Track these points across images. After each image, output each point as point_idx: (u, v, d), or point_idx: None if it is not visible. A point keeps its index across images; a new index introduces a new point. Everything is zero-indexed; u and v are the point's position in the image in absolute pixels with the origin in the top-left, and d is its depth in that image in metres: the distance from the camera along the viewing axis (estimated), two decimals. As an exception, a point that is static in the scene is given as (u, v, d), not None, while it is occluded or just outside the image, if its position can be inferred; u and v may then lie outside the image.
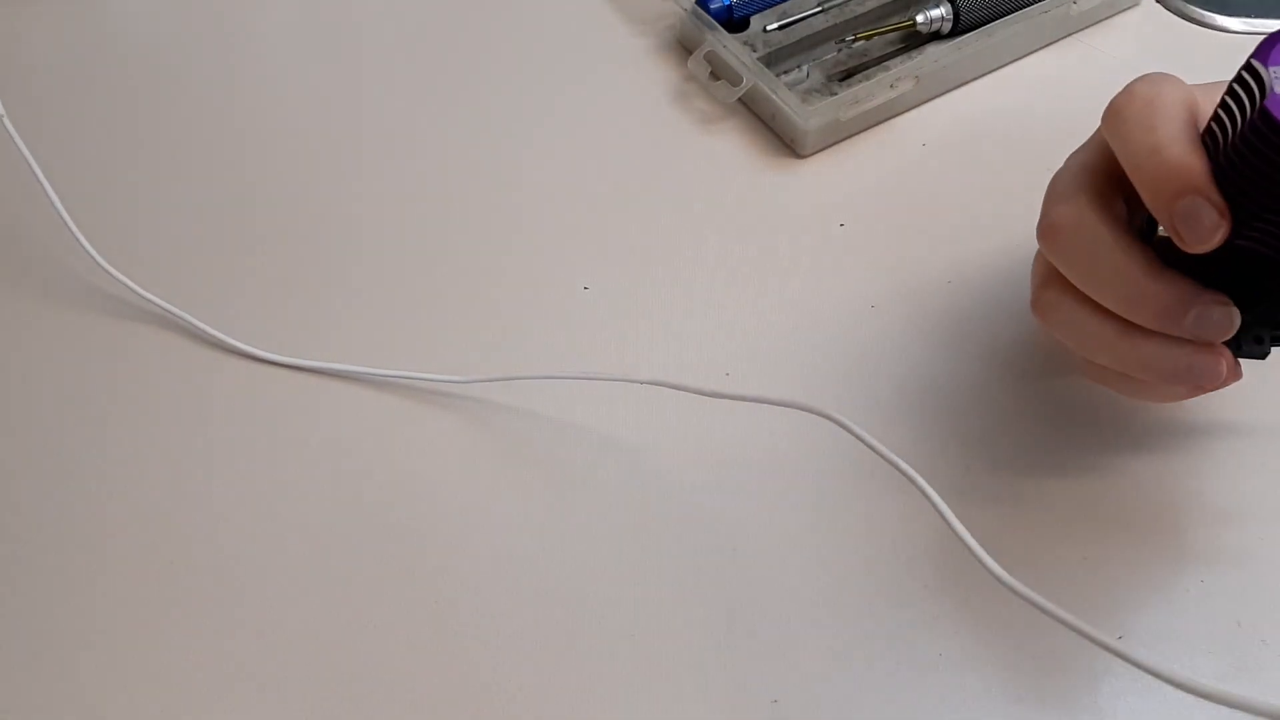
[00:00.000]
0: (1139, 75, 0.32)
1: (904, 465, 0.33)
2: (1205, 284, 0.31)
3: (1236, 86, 0.29)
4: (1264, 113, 0.28)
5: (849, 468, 0.38)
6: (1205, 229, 0.29)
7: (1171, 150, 0.30)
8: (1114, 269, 0.31)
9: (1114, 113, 0.31)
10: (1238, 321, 0.31)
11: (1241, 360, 0.32)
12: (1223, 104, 0.30)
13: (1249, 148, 0.29)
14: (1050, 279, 0.34)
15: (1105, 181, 0.32)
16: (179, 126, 0.49)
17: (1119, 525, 0.36)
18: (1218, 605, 0.34)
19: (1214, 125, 0.30)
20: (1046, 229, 0.33)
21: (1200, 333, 0.31)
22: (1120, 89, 0.32)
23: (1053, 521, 0.36)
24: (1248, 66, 0.29)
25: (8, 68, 0.51)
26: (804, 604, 0.35)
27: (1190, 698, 0.27)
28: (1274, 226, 0.29)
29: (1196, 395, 0.33)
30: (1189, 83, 0.32)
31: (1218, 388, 0.32)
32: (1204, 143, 0.30)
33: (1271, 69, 0.28)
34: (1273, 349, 0.32)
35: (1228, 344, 0.32)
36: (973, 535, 0.31)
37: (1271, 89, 0.28)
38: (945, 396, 0.39)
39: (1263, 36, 0.29)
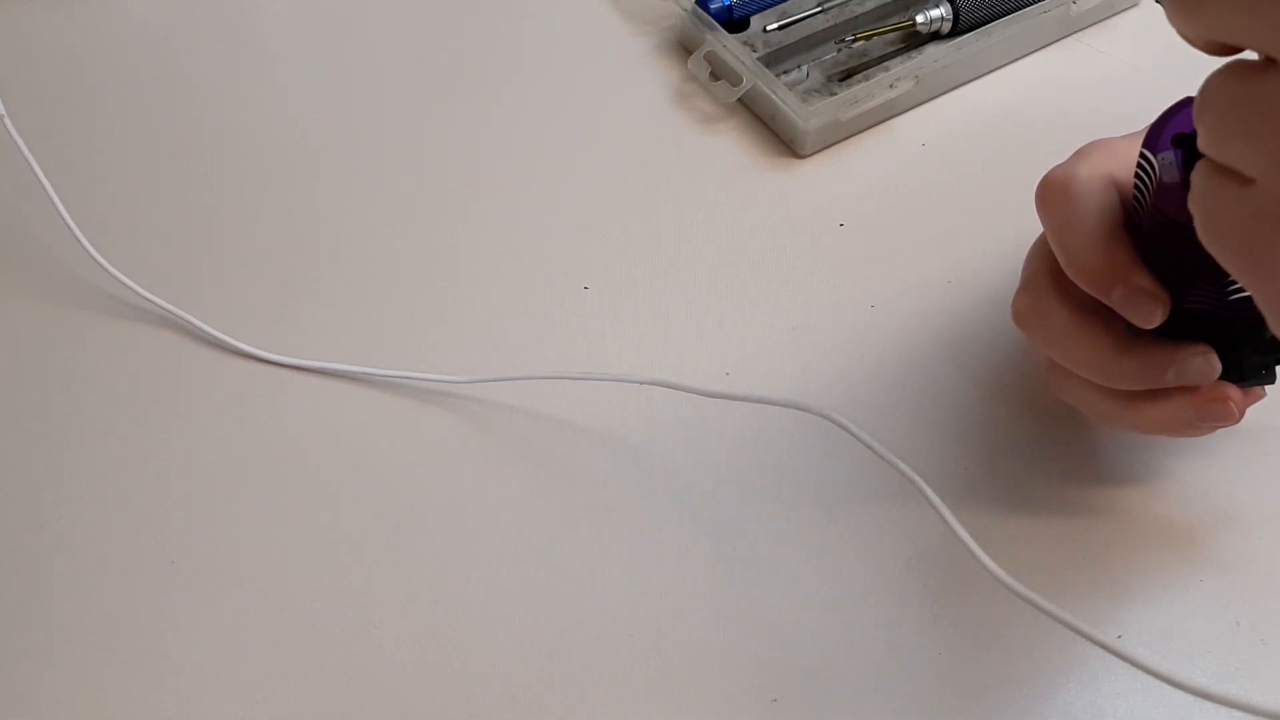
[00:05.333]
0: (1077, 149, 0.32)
1: (903, 465, 0.33)
2: (1186, 331, 0.31)
3: (1139, 170, 0.29)
4: (1155, 209, 0.28)
5: (848, 468, 0.38)
6: (1144, 312, 0.30)
7: (1090, 248, 0.30)
8: (1081, 352, 0.32)
9: (1037, 204, 0.32)
10: (1218, 367, 0.31)
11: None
12: (1134, 184, 0.30)
13: (1156, 233, 0.29)
14: (1050, 365, 0.34)
15: None
16: (180, 126, 0.49)
17: (1119, 525, 0.36)
18: (1217, 605, 0.34)
19: (1134, 202, 0.30)
20: (1014, 317, 0.34)
21: (1185, 383, 0.31)
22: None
23: (1052, 521, 0.36)
24: (1141, 154, 0.29)
25: (8, 68, 0.51)
26: (803, 603, 0.35)
27: (1190, 698, 0.27)
28: (1208, 292, 0.29)
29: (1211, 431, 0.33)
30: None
31: (1237, 421, 0.32)
32: (1133, 210, 0.30)
33: (1160, 155, 0.28)
34: None
35: (1231, 378, 0.32)
36: (972, 535, 0.31)
37: (1160, 178, 0.28)
38: (944, 396, 0.39)
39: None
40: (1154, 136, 0.29)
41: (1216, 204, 0.23)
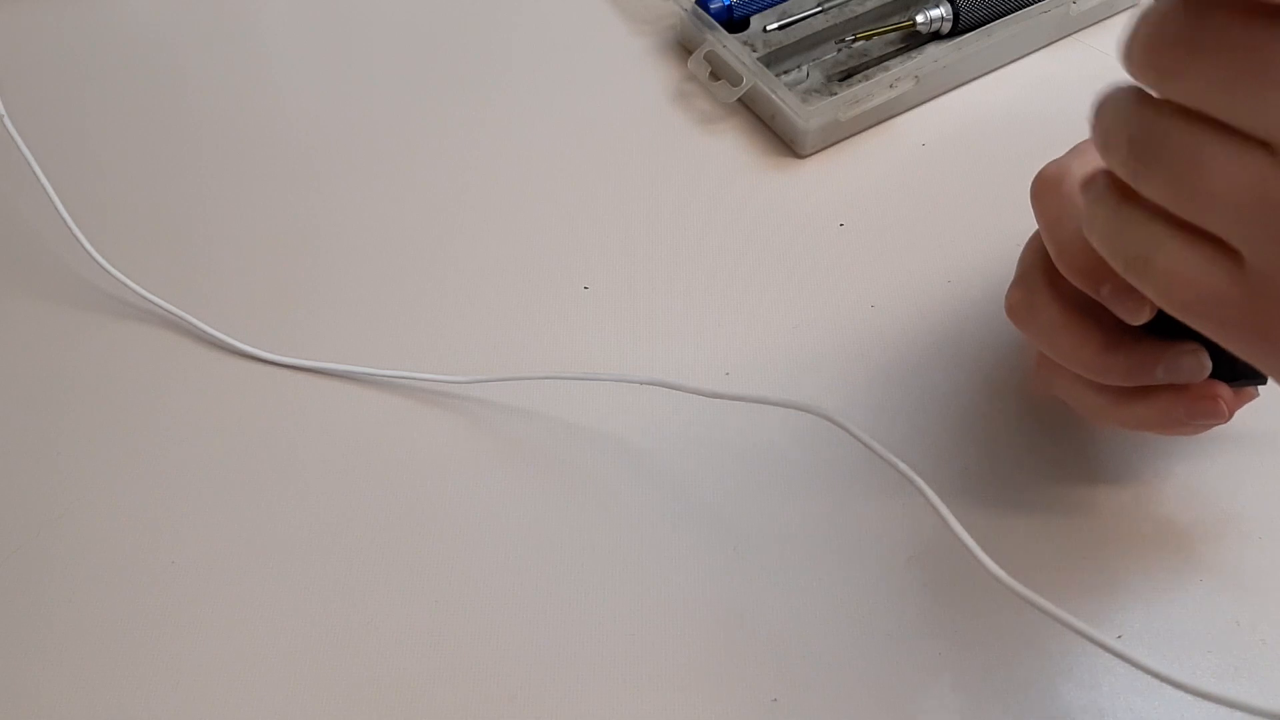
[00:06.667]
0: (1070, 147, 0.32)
1: (902, 465, 0.33)
2: (1178, 329, 0.31)
3: None
4: None
5: (848, 468, 0.38)
6: (1132, 309, 0.30)
7: (1081, 243, 0.30)
8: (1071, 347, 0.32)
9: (1031, 199, 0.32)
10: (1209, 365, 0.31)
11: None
12: None
13: None
14: (1041, 359, 0.34)
15: None
16: (180, 126, 0.49)
17: (1119, 525, 0.36)
18: (1217, 605, 0.34)
19: None
20: (1007, 310, 0.34)
21: (1174, 380, 0.31)
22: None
23: (1052, 521, 0.36)
24: None
25: (8, 67, 0.51)
26: (803, 603, 0.35)
27: (1190, 698, 0.27)
28: None
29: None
30: None
31: (1226, 421, 0.32)
32: None
33: None
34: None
35: (1223, 377, 0.31)
36: (971, 535, 0.31)
37: None
38: (944, 396, 0.39)
39: None
40: None
41: (1210, 290, 0.22)
